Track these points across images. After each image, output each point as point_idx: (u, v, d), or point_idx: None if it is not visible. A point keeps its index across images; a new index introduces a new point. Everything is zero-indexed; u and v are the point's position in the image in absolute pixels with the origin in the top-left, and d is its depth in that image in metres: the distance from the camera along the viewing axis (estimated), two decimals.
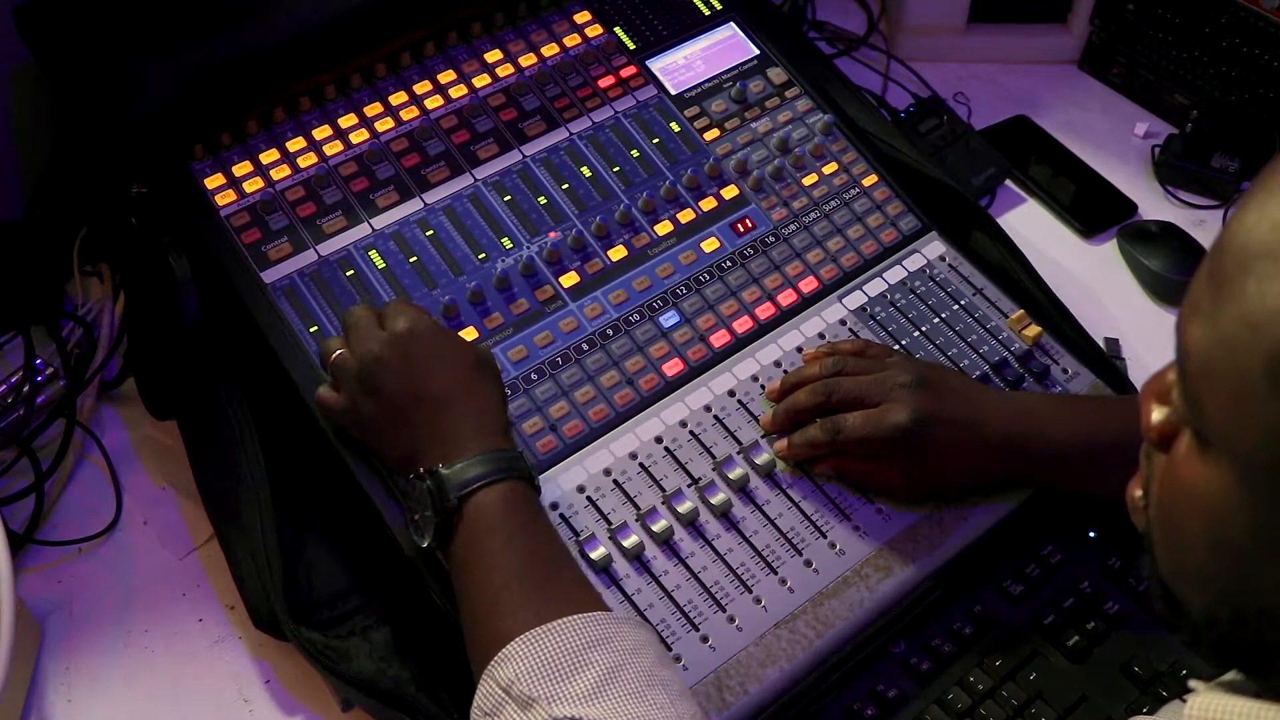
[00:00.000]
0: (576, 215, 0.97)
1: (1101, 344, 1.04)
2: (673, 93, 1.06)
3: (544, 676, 0.67)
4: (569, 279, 0.94)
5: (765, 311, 0.96)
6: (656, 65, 1.07)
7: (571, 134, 1.01)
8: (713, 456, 0.88)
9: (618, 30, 1.08)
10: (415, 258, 0.93)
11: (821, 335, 0.96)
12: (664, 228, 0.98)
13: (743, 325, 0.95)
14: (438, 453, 0.77)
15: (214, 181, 0.93)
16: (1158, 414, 0.55)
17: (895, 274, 1.00)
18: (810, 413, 0.87)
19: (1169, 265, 1.15)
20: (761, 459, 0.87)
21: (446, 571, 0.79)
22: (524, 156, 0.99)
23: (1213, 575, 0.52)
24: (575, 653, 0.68)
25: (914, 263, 1.01)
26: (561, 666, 0.67)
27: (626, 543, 0.82)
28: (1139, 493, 0.59)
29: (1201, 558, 0.53)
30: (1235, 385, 0.47)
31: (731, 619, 0.81)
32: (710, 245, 0.98)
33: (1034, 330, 0.97)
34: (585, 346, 0.91)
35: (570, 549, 0.80)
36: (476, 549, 0.74)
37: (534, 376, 0.89)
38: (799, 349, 0.94)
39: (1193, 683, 0.54)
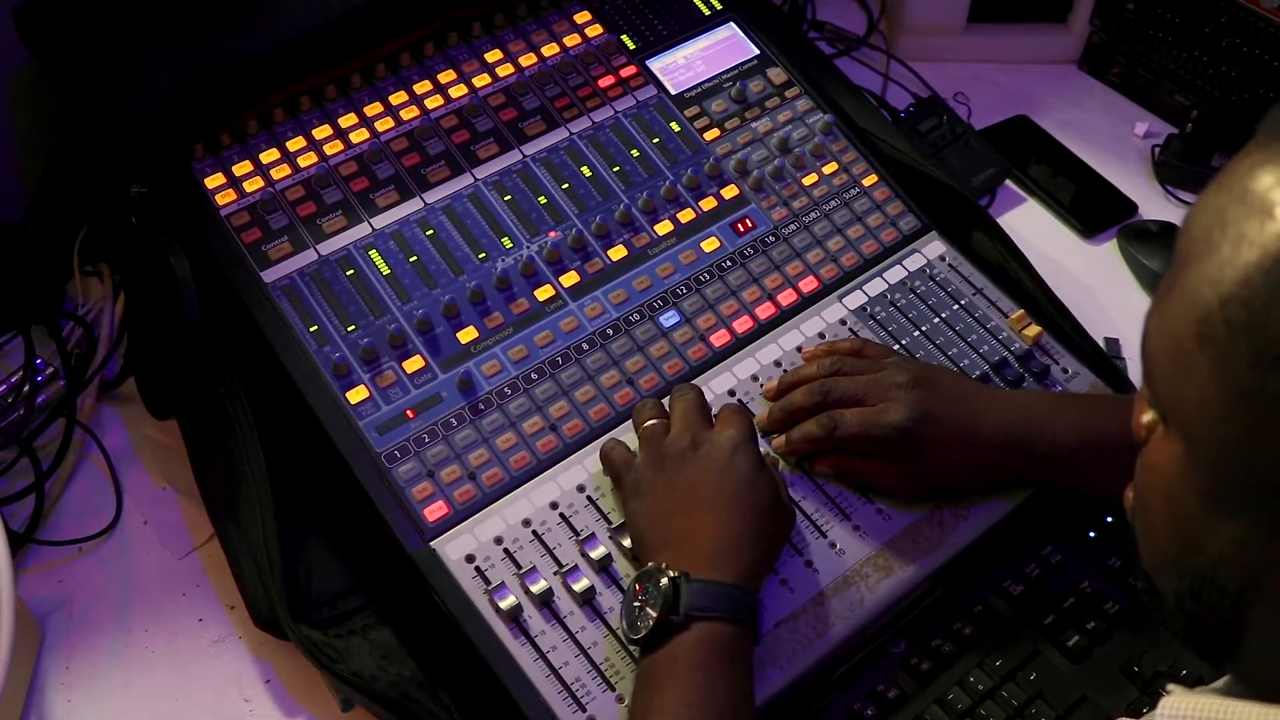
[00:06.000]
0: (576, 215, 0.97)
1: (1101, 344, 1.04)
2: (673, 93, 1.06)
3: None
4: (569, 278, 0.94)
5: (765, 311, 0.96)
6: (656, 65, 1.07)
7: (571, 134, 1.01)
8: None
9: (623, 38, 1.08)
10: (415, 257, 0.93)
11: (821, 335, 0.96)
12: (664, 227, 0.98)
13: (743, 325, 0.95)
14: (692, 556, 0.75)
15: (214, 181, 0.93)
16: (1147, 415, 0.57)
17: (895, 274, 1.00)
18: (807, 412, 0.87)
19: (1169, 265, 1.15)
20: None
21: (448, 571, 0.79)
22: (524, 156, 0.99)
23: (1174, 552, 0.54)
24: None
25: (914, 262, 1.01)
26: None
27: (627, 541, 0.82)
28: (1131, 494, 0.60)
29: (1167, 537, 0.54)
30: (1174, 354, 0.50)
31: None
32: (710, 245, 0.98)
33: (1034, 330, 0.97)
34: (585, 346, 0.91)
35: (577, 552, 0.81)
36: (672, 669, 0.73)
37: (534, 376, 0.89)
38: (799, 349, 0.94)
39: (1170, 686, 0.55)
